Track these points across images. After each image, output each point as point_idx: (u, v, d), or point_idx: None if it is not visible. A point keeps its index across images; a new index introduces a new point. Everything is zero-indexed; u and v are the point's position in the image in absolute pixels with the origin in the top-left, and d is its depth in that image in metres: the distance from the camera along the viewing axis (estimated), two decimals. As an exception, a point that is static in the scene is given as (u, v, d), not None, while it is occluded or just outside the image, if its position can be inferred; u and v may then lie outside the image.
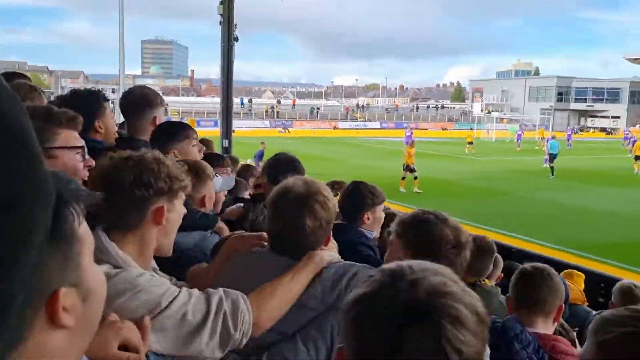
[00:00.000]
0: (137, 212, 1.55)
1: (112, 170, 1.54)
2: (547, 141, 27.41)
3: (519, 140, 40.51)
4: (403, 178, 19.04)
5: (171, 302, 1.46)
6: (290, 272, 1.73)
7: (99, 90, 3.12)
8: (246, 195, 4.03)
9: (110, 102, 3.37)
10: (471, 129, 42.42)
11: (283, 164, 3.10)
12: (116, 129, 3.05)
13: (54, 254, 0.64)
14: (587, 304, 4.97)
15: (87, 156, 1.90)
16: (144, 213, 1.55)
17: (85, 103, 2.73)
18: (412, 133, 34.48)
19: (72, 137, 1.82)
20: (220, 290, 1.57)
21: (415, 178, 18.95)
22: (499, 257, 4.19)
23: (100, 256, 1.42)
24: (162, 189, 1.55)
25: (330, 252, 1.89)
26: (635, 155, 26.42)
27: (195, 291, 1.54)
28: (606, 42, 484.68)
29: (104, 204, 1.39)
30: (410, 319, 0.81)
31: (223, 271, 1.90)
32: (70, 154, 1.80)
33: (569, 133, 43.48)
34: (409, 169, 19.07)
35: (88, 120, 2.36)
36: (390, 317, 0.82)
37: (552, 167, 23.94)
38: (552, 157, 24.23)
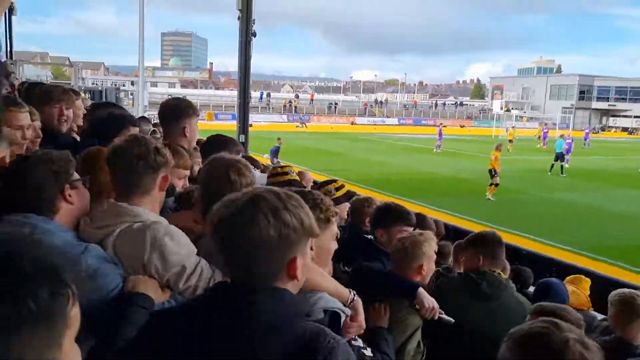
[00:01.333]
0: (151, 180, 2.04)
1: (130, 148, 2.03)
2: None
3: (546, 139, 39.92)
4: (491, 184, 17.66)
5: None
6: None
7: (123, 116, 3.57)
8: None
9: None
10: (513, 128, 41.62)
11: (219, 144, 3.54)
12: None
13: (38, 330, 0.72)
14: (592, 309, 4.97)
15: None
16: (156, 180, 2.06)
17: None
18: (442, 130, 34.81)
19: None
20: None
21: (496, 185, 17.63)
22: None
23: (134, 219, 1.93)
24: (167, 162, 2.11)
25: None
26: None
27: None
28: (632, 39, 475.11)
29: (125, 175, 2.01)
30: None
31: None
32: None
33: (587, 131, 43.07)
34: (492, 174, 17.69)
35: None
36: None
37: (561, 166, 23.88)
38: (558, 156, 24.07)
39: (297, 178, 4.12)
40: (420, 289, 2.69)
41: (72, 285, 0.80)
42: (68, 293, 0.79)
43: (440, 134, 34.38)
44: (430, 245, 2.87)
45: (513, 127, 45.31)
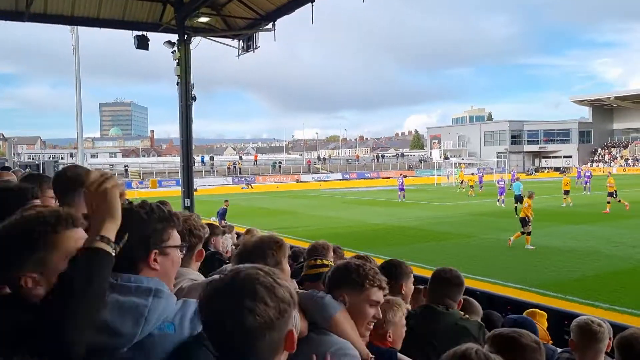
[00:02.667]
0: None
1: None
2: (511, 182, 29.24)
3: (481, 183, 42.18)
4: (523, 233, 17.00)
5: None
6: None
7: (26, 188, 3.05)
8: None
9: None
10: (462, 170, 43.53)
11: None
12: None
13: None
14: (552, 342, 5.06)
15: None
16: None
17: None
18: (403, 180, 35.96)
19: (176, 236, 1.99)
20: None
21: (529, 233, 16.92)
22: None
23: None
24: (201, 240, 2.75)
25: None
26: (564, 190, 29.00)
27: None
28: (552, 85, 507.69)
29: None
30: None
31: None
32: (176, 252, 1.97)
33: (513, 173, 45.58)
34: (526, 222, 17.08)
35: None
36: None
37: (516, 208, 24.60)
38: (518, 198, 24.80)
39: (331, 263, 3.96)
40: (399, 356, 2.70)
41: None
42: None
43: (402, 184, 35.46)
44: (396, 313, 2.83)
45: (462, 169, 47.70)
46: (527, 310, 5.45)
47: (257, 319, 1.23)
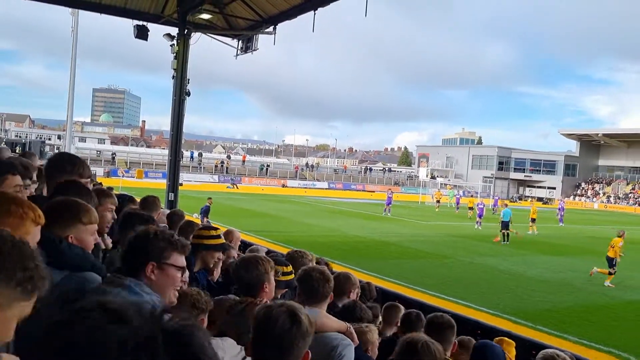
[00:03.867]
0: None
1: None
2: (484, 207, 30.10)
3: (458, 204, 44.25)
4: (610, 273, 16.22)
5: None
6: None
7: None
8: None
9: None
10: (439, 190, 44.44)
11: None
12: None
13: None
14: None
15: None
16: None
17: None
18: (392, 195, 36.44)
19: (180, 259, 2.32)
20: None
21: (612, 273, 16.18)
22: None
23: None
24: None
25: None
26: (531, 218, 30.07)
27: None
28: (544, 116, 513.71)
29: None
30: None
31: None
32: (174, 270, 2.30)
33: (496, 199, 46.60)
34: (613, 262, 16.21)
35: None
36: None
37: (506, 234, 24.87)
38: (505, 225, 25.05)
39: (223, 241, 4.13)
40: None
41: None
42: None
43: (389, 199, 35.80)
44: (374, 334, 3.75)
45: (439, 189, 48.95)
46: (497, 338, 5.52)
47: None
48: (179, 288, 2.31)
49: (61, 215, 2.39)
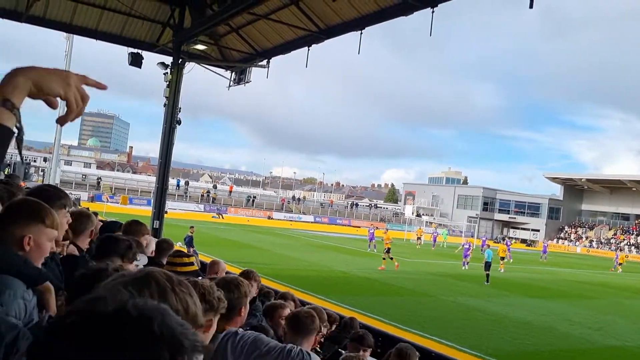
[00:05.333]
0: None
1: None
2: (470, 248, 30.91)
3: (435, 241, 45.75)
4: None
5: None
6: None
7: None
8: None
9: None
10: (421, 228, 45.12)
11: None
12: None
13: None
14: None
15: None
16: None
17: None
18: (374, 231, 37.06)
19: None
20: None
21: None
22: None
23: None
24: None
25: None
26: (500, 257, 30.57)
27: None
28: (529, 159, 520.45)
29: None
30: None
31: None
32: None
33: (484, 240, 46.90)
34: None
35: None
36: None
37: (487, 275, 24.83)
38: (488, 265, 25.09)
39: (196, 268, 4.15)
40: None
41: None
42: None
43: (371, 235, 36.16)
44: None
45: (420, 227, 49.85)
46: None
47: None
48: None
49: (23, 213, 2.29)
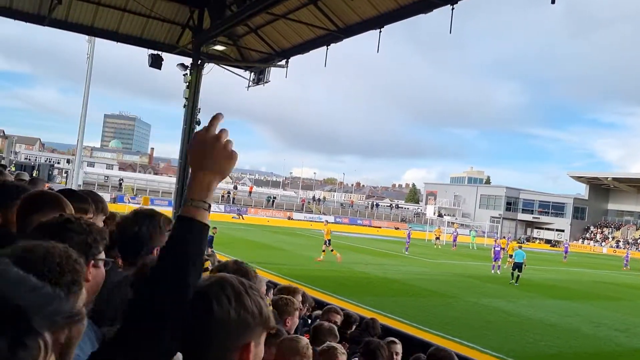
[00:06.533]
0: None
1: None
2: (496, 248, 29.41)
3: (455, 241, 45.07)
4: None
5: None
6: None
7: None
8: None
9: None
10: (439, 227, 44.86)
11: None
12: None
13: None
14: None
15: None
16: None
17: None
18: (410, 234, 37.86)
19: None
20: None
21: None
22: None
23: None
24: None
25: None
26: (509, 254, 29.26)
27: None
28: (553, 158, 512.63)
29: None
30: None
31: None
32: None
33: (509, 240, 46.19)
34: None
35: None
36: None
37: (517, 276, 24.57)
38: (517, 266, 24.82)
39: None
40: None
41: (46, 332, 0.63)
42: (39, 343, 0.62)
43: (409, 237, 36.62)
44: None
45: (439, 227, 50.77)
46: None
47: (219, 311, 1.36)
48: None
49: (42, 203, 2.31)
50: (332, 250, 25.82)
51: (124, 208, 35.63)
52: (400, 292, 18.86)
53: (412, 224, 73.51)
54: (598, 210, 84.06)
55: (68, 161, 73.27)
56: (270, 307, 4.23)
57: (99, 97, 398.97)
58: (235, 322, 1.33)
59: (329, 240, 26.13)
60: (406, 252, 34.37)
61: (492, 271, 28.30)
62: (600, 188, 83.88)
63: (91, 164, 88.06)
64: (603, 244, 75.61)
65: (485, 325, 14.93)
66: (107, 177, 65.71)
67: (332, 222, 66.20)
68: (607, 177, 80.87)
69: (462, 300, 18.46)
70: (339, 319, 6.16)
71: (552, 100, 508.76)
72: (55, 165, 59.30)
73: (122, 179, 63.48)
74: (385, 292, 18.67)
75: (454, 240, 45.37)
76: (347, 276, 21.30)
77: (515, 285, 23.70)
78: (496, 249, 29.48)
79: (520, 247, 27.28)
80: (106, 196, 48.67)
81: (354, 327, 6.77)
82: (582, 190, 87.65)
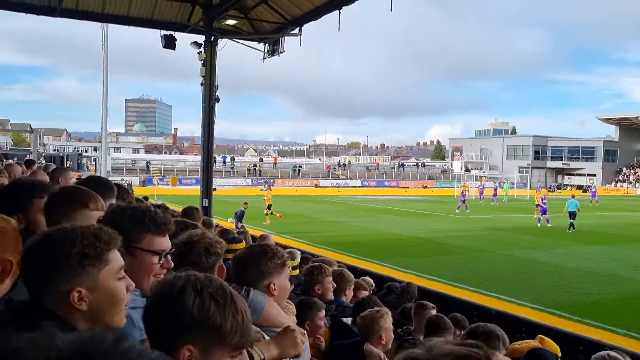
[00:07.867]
0: None
1: None
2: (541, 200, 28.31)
3: (482, 195, 45.31)
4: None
5: None
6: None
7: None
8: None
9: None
10: (465, 183, 44.78)
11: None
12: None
13: None
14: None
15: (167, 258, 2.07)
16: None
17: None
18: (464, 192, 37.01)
19: (156, 241, 2.00)
20: None
21: None
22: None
23: None
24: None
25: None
26: (535, 204, 29.52)
27: None
28: (579, 102, 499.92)
29: None
30: None
31: None
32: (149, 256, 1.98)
33: (538, 187, 45.29)
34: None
35: None
36: None
37: (571, 223, 25.38)
38: (572, 214, 25.64)
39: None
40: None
41: None
42: None
43: (463, 195, 36.65)
44: (386, 320, 3.73)
45: (464, 182, 49.17)
46: (538, 337, 5.32)
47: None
48: (160, 276, 1.93)
49: (67, 200, 2.32)
50: (272, 213, 26.82)
51: (154, 190, 36.18)
52: (433, 251, 18.82)
53: (439, 181, 73.07)
54: (630, 151, 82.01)
55: (95, 149, 74.49)
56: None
57: (118, 83, 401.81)
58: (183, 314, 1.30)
59: (270, 205, 27.33)
60: (458, 210, 34.45)
61: (546, 224, 26.91)
62: (631, 128, 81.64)
63: (117, 150, 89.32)
64: (637, 185, 74.03)
65: (522, 277, 14.86)
66: (134, 161, 66.60)
67: (359, 186, 66.29)
68: (638, 117, 78.55)
69: (496, 254, 18.38)
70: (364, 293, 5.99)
71: (576, 44, 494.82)
72: (84, 154, 60.35)
73: (149, 162, 64.24)
74: (418, 252, 18.67)
75: (481, 194, 45.21)
76: (378, 239, 21.35)
77: (569, 232, 24.50)
78: (543, 201, 28.00)
79: (573, 197, 27.09)
80: (135, 180, 49.44)
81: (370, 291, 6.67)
82: (612, 132, 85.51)
